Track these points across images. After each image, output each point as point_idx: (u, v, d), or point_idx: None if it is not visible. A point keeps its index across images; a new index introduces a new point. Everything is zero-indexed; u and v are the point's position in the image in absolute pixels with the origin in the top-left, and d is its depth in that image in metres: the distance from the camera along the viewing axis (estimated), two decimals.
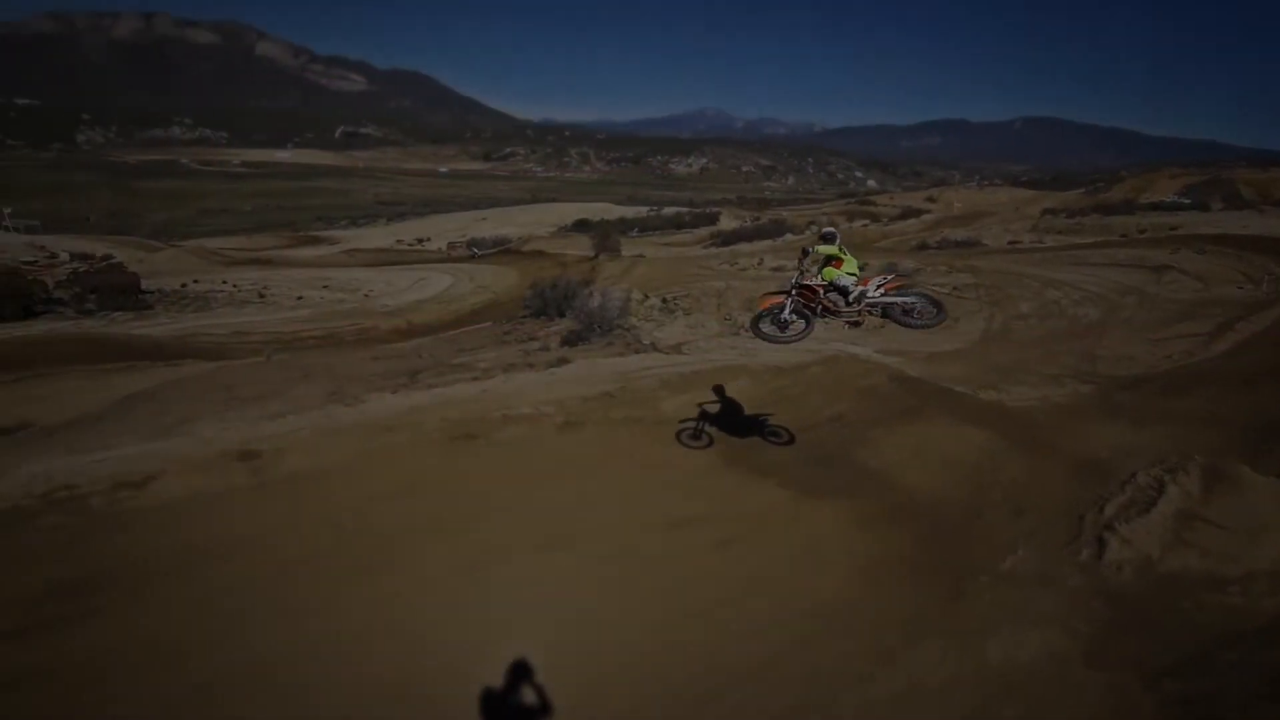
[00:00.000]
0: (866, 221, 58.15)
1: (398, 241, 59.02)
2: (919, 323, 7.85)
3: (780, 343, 8.11)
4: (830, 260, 7.83)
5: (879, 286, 7.95)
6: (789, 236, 40.78)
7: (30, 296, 24.17)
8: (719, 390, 10.11)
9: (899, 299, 7.86)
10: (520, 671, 5.28)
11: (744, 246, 39.72)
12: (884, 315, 7.94)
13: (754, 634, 5.68)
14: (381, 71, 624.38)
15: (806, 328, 7.96)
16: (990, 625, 5.82)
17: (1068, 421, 9.83)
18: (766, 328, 8.08)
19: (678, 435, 8.81)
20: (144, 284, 28.53)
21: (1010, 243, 37.68)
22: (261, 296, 29.23)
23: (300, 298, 29.23)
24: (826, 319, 8.01)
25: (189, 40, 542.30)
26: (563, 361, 12.90)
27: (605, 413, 9.51)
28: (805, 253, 7.95)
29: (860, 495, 7.69)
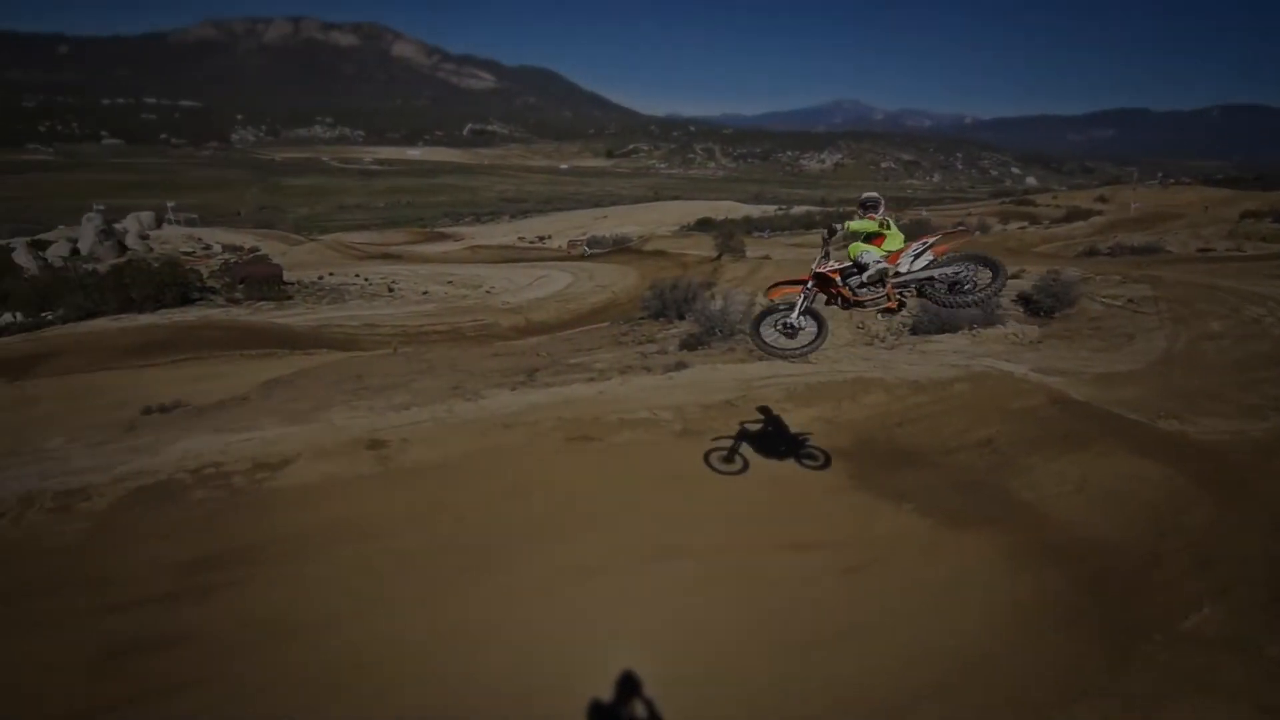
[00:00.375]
0: (1025, 224, 54.47)
1: (519, 238, 61.62)
2: (971, 298, 6.11)
3: (784, 357, 6.61)
4: (871, 239, 6.38)
5: (915, 256, 6.31)
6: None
7: (188, 285, 27.24)
8: (765, 410, 9.73)
9: (937, 271, 6.21)
10: (629, 684, 5.35)
11: None
12: (920, 295, 6.42)
13: (881, 672, 5.46)
14: (510, 69, 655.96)
15: (819, 336, 6.48)
16: (1165, 693, 5.29)
17: (1269, 461, 8.76)
18: (769, 334, 6.55)
19: (706, 457, 8.22)
20: (286, 275, 31.41)
21: (1200, 250, 34.15)
22: (390, 290, 31.39)
23: (425, 292, 31.15)
24: (851, 312, 6.70)
25: (332, 43, 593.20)
26: (681, 366, 12.97)
27: (726, 422, 9.48)
28: (831, 231, 6.40)
29: (1010, 529, 7.21)
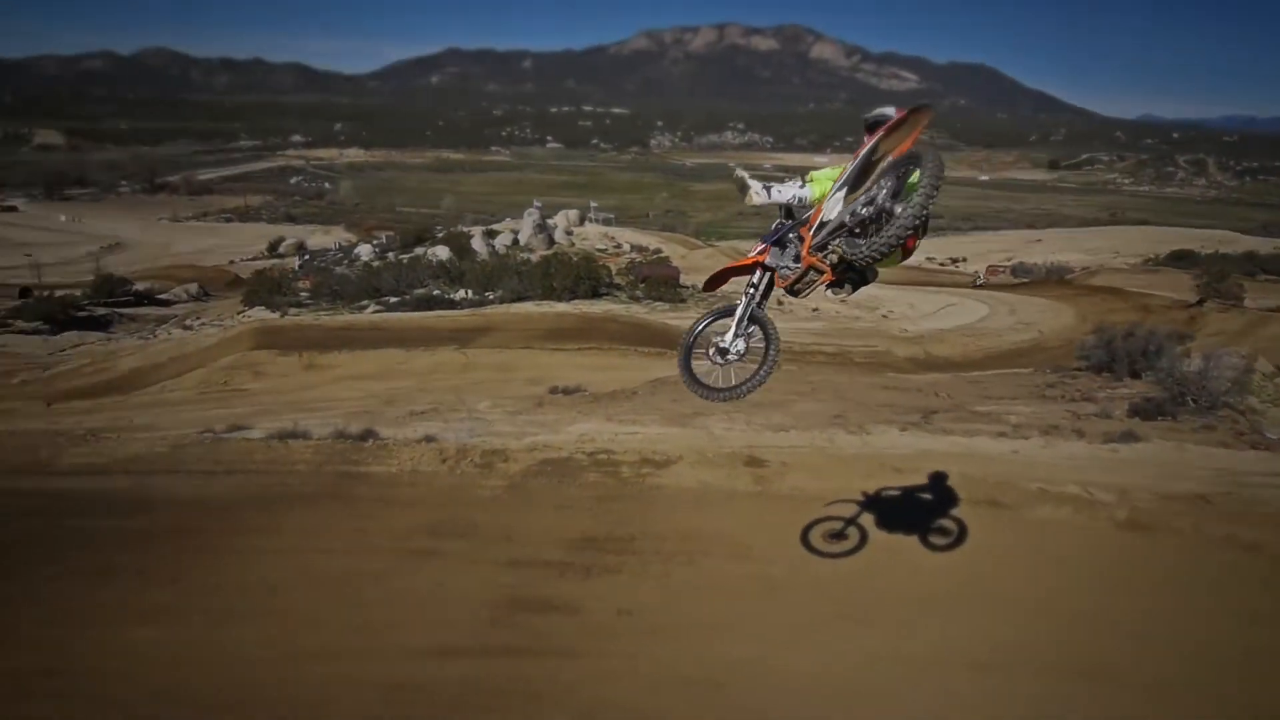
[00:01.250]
0: None
1: (928, 259, 59.17)
2: (890, 233, 3.61)
3: (707, 398, 4.62)
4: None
5: (847, 186, 4.03)
6: None
7: (599, 279, 31.92)
8: (938, 478, 8.31)
9: (846, 213, 3.90)
10: None
11: None
12: (851, 256, 3.95)
13: None
14: (938, 67, 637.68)
15: (763, 361, 4.53)
16: None
17: None
18: (698, 362, 4.68)
19: (804, 533, 7.09)
20: (682, 279, 34.85)
21: None
22: (779, 304, 32.76)
23: (816, 310, 31.77)
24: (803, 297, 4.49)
25: (752, 48, 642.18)
26: (1130, 437, 11.24)
27: (1194, 522, 7.89)
28: (801, 182, 4.51)
29: None
